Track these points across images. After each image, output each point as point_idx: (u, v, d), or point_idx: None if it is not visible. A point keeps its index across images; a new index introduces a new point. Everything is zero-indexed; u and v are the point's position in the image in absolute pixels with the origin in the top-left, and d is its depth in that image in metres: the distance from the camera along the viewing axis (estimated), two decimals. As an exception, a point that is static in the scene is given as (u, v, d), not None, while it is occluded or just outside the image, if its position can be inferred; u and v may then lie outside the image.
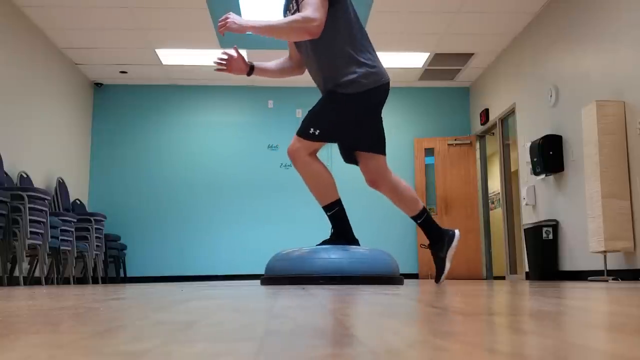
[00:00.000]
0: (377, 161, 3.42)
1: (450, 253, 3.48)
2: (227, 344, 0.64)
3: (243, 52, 7.62)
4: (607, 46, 5.21)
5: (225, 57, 3.48)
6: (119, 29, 6.92)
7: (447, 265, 3.48)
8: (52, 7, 6.35)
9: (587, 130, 5.07)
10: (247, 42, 7.31)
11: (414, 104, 8.94)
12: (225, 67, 3.51)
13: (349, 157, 3.52)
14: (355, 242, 3.56)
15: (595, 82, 5.41)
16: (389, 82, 3.35)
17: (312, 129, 3.26)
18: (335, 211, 3.46)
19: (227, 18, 3.08)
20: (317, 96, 3.48)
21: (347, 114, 3.29)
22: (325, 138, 3.34)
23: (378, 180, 3.44)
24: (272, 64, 3.65)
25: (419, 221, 3.51)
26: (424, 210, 3.52)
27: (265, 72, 3.65)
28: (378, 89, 3.28)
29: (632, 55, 4.85)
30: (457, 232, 3.54)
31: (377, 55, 3.38)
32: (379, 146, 3.42)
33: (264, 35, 3.18)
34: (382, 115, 3.44)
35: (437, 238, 3.51)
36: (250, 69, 3.56)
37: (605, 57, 5.26)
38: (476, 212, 8.47)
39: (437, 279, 3.53)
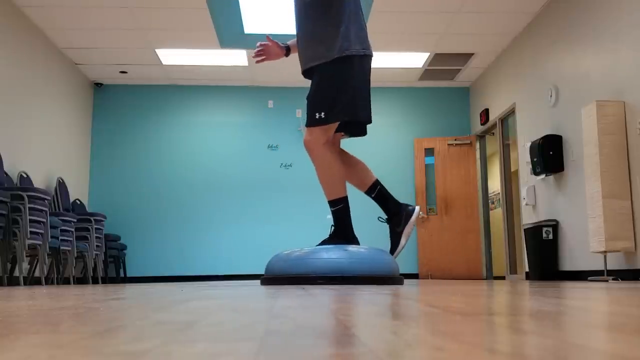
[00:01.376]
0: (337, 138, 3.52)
1: (408, 229, 3.50)
2: (227, 344, 0.64)
3: (243, 52, 7.63)
4: (607, 46, 5.21)
5: (262, 48, 3.62)
6: (119, 29, 6.92)
7: (403, 241, 3.51)
8: (52, 7, 6.35)
9: (587, 130, 5.07)
10: (248, 43, 7.31)
11: (414, 104, 8.94)
12: (264, 57, 3.65)
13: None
14: (355, 241, 3.56)
15: (595, 82, 5.41)
16: (371, 56, 3.42)
17: (317, 114, 3.29)
18: (340, 208, 3.47)
19: (263, 48, 3.47)
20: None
21: (339, 82, 3.30)
22: (332, 118, 3.34)
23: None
24: None
25: (372, 195, 3.54)
26: (377, 182, 3.56)
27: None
28: (364, 57, 3.35)
29: (633, 55, 4.85)
30: (417, 208, 3.58)
31: (366, 32, 3.45)
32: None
33: None
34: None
35: (394, 212, 3.54)
36: (287, 50, 3.67)
37: (605, 57, 5.26)
38: (476, 212, 8.47)
39: (392, 252, 3.56)
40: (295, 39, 3.61)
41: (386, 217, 3.57)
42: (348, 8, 3.33)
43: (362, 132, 3.67)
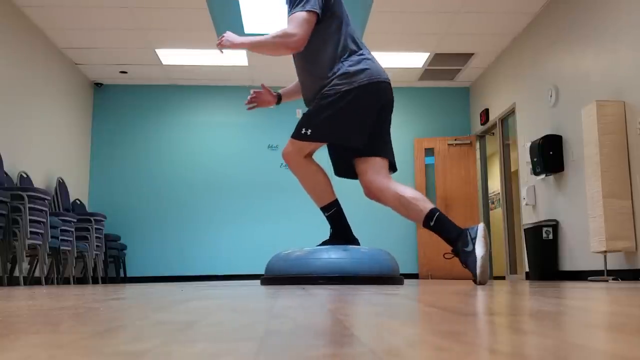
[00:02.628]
0: (372, 164, 3.29)
1: (480, 245, 3.03)
2: (227, 344, 0.64)
3: (243, 52, 7.63)
4: (607, 46, 5.21)
5: (255, 95, 3.66)
6: (119, 29, 6.92)
7: (480, 253, 2.98)
8: (52, 7, 6.35)
9: (587, 130, 5.07)
10: (247, 42, 7.31)
11: (414, 104, 8.94)
12: (255, 104, 3.67)
13: (342, 167, 3.46)
14: (354, 241, 3.56)
15: (595, 82, 5.40)
16: (386, 81, 3.30)
17: (303, 129, 3.27)
18: (333, 212, 3.46)
19: (222, 37, 3.27)
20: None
21: (337, 110, 3.24)
22: (317, 137, 3.30)
23: (372, 188, 3.27)
24: (293, 85, 3.73)
25: (431, 224, 3.15)
26: (432, 212, 3.16)
27: (290, 94, 3.74)
28: (370, 85, 3.22)
29: (632, 55, 4.85)
30: (481, 225, 3.20)
31: (372, 56, 3.39)
32: (375, 149, 3.30)
33: (253, 50, 3.33)
34: (389, 119, 3.40)
35: (456, 237, 3.15)
36: (279, 99, 3.69)
37: (605, 57, 5.25)
38: (476, 212, 8.47)
39: (475, 279, 3.02)
40: (289, 87, 3.71)
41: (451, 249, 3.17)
42: (340, 42, 3.31)
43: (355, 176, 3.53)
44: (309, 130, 3.26)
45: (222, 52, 3.36)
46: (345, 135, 3.28)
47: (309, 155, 3.40)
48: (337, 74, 3.24)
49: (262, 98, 3.65)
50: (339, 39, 3.32)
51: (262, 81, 8.58)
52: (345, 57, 3.29)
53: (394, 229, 8.38)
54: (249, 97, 3.66)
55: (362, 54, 3.35)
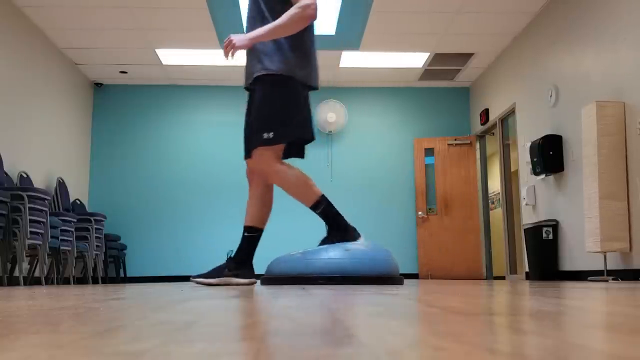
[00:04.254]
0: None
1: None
2: (227, 344, 0.64)
3: (243, 52, 7.61)
4: (607, 46, 5.21)
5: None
6: (119, 29, 6.92)
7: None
8: (52, 7, 6.35)
9: (587, 130, 5.07)
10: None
11: (414, 104, 8.94)
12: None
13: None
14: (351, 230, 3.54)
15: (595, 82, 5.41)
16: (310, 86, 3.39)
17: (265, 134, 3.27)
18: (323, 208, 3.46)
19: (230, 40, 3.23)
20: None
21: (284, 101, 3.30)
22: (281, 138, 3.33)
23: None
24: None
25: (317, 211, 3.48)
26: (321, 199, 3.47)
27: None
28: (306, 87, 3.35)
29: (632, 55, 4.85)
30: (362, 236, 3.54)
31: (314, 60, 3.44)
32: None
33: (270, 39, 3.29)
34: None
35: (337, 227, 3.50)
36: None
37: (605, 57, 5.26)
38: (476, 212, 8.47)
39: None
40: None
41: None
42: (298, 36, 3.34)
43: (301, 154, 3.63)
44: (271, 133, 3.30)
45: (231, 57, 3.32)
46: (304, 129, 3.44)
47: (280, 159, 3.42)
48: (282, 57, 3.32)
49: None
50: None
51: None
52: (295, 46, 3.39)
53: (394, 229, 8.38)
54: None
55: (306, 55, 3.47)
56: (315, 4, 3.26)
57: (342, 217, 3.53)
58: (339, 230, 3.50)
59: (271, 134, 3.26)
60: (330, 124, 8.40)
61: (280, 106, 3.31)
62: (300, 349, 0.60)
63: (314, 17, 3.27)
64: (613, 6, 5.13)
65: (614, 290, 2.23)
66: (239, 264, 3.40)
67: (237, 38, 3.22)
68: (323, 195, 3.48)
